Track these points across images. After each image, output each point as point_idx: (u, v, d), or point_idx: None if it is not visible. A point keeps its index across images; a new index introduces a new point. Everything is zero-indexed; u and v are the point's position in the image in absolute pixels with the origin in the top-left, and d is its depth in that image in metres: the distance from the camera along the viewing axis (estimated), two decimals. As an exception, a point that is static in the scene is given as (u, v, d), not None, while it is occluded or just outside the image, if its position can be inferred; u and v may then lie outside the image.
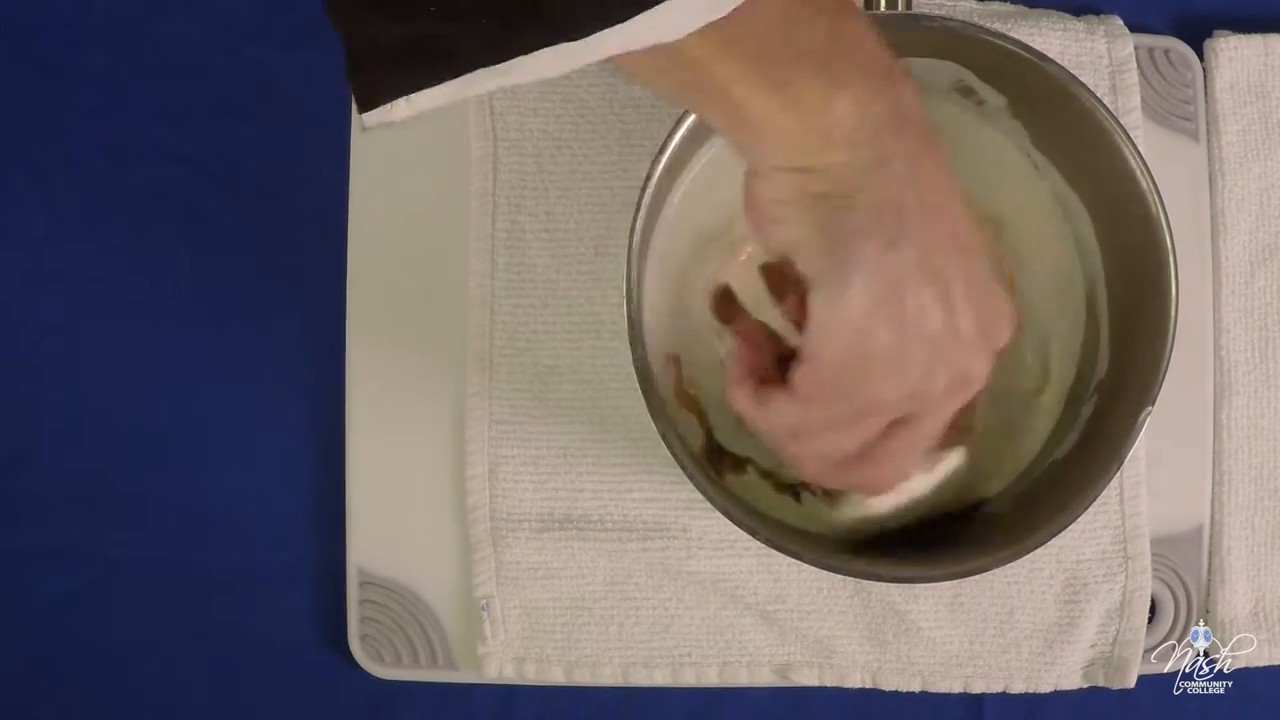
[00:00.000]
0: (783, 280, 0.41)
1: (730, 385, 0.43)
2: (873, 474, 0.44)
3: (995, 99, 0.57)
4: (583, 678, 0.62)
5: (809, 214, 0.38)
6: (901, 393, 0.40)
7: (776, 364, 0.44)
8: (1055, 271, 0.59)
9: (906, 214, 0.38)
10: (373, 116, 0.36)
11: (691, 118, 0.52)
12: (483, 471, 0.62)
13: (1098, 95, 0.55)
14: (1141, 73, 0.64)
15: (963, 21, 0.55)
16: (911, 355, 0.39)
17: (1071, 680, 0.62)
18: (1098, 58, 0.63)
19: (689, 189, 0.58)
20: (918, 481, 0.55)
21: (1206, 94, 0.65)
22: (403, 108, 0.35)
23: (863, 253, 0.38)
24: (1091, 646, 0.62)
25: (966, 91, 0.57)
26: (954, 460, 0.56)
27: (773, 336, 0.45)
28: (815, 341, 0.40)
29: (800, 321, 0.40)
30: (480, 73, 0.34)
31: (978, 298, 0.41)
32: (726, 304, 0.41)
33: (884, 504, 0.55)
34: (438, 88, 0.35)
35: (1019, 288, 0.59)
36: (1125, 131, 0.54)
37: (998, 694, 0.63)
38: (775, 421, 0.42)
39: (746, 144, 0.39)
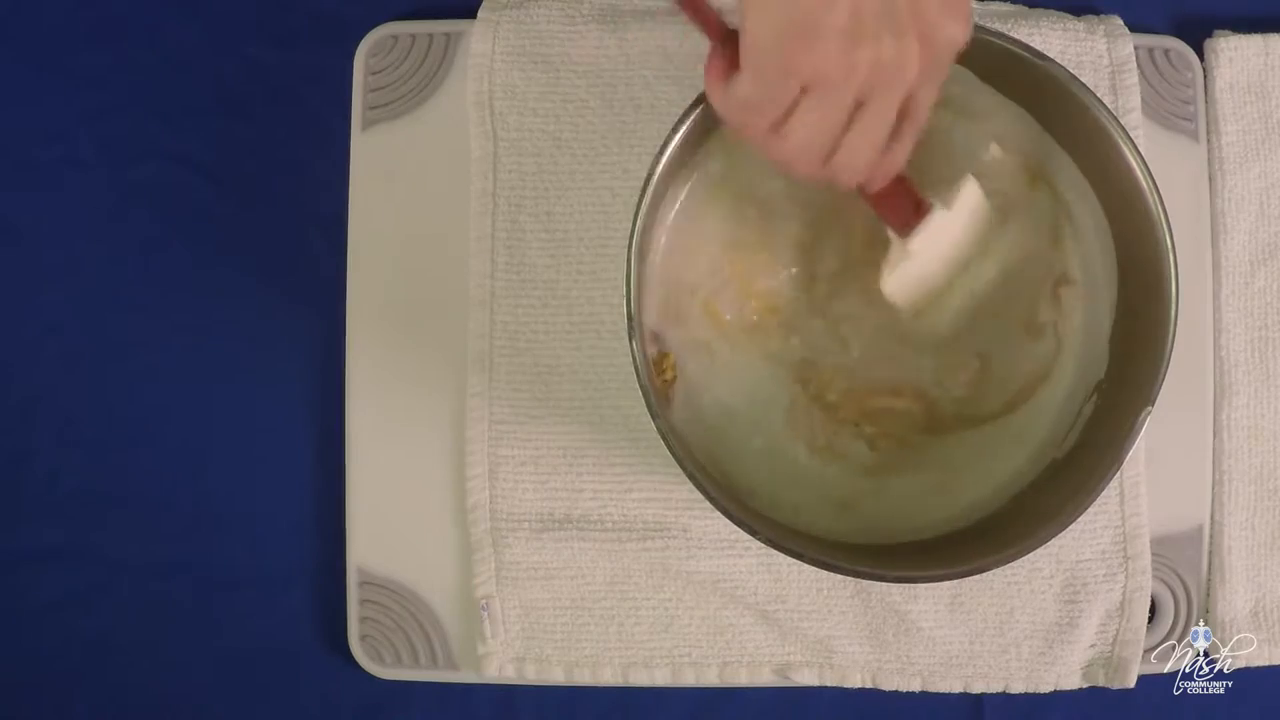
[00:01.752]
0: None
1: (705, 79, 0.45)
2: (846, 160, 0.45)
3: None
4: (583, 678, 0.62)
5: None
6: (831, 64, 0.41)
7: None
8: (1057, 269, 0.59)
9: None
10: None
11: (691, 118, 0.52)
12: (483, 471, 0.62)
13: (1098, 95, 0.55)
14: (1141, 73, 0.64)
15: (962, 21, 0.55)
16: (830, 24, 0.41)
17: (1071, 680, 0.62)
18: (1098, 58, 0.63)
19: (689, 189, 0.58)
20: (944, 217, 0.54)
21: (1206, 94, 0.65)
22: None
23: None
24: (1091, 646, 0.62)
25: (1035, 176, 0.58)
26: (970, 191, 0.55)
27: (721, 26, 0.46)
28: (753, 5, 0.41)
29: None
30: None
31: None
32: None
33: (925, 259, 0.55)
34: None
35: (1019, 289, 0.59)
36: (1125, 131, 0.54)
37: (997, 694, 0.63)
38: (735, 97, 0.43)
39: None
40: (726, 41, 0.44)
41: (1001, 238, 0.57)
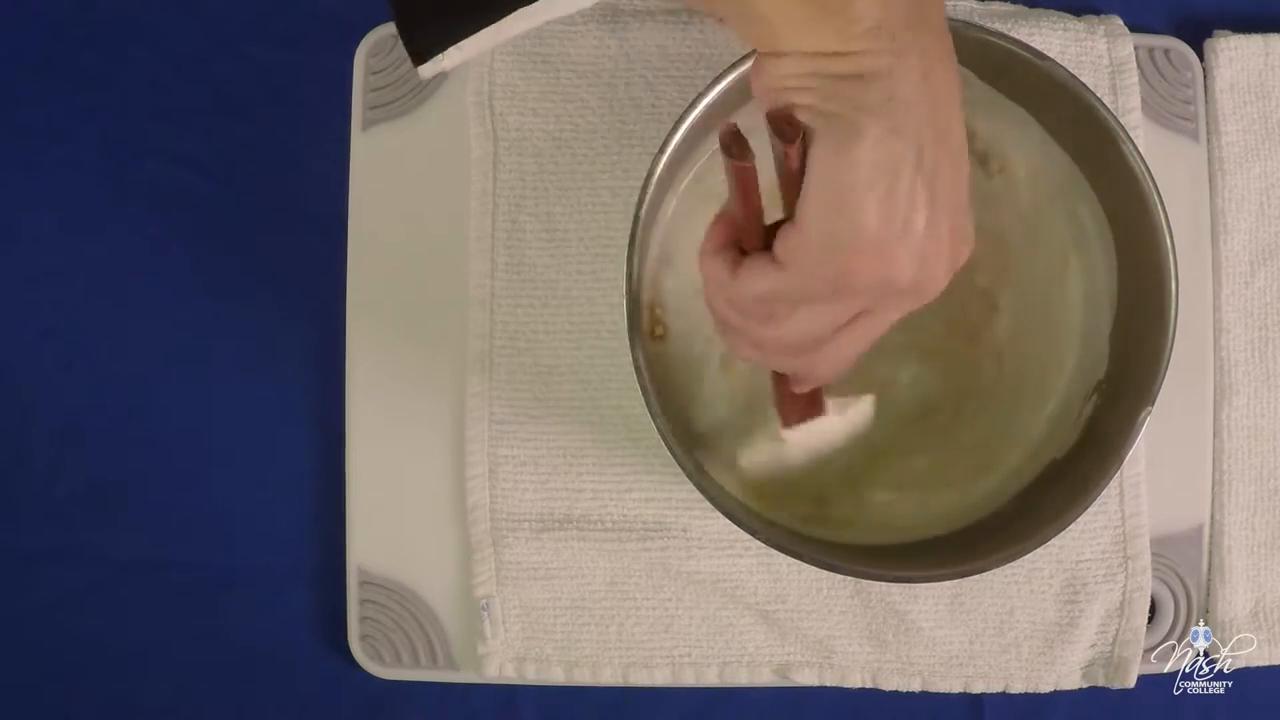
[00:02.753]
0: (788, 126, 0.41)
1: (705, 248, 0.43)
2: (822, 359, 0.44)
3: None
4: (583, 678, 0.62)
5: (821, 86, 0.39)
6: (875, 278, 0.40)
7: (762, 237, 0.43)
8: (1057, 270, 0.59)
9: (915, 108, 0.39)
10: (427, 69, 0.38)
11: (691, 118, 0.52)
12: (483, 471, 0.62)
13: (1098, 95, 0.55)
14: (1141, 73, 0.64)
15: (963, 21, 0.55)
16: (893, 242, 0.40)
17: (1071, 680, 0.62)
18: (1098, 58, 0.63)
19: (689, 188, 0.58)
20: (829, 423, 0.54)
21: (1206, 94, 0.65)
22: (454, 56, 0.37)
23: (870, 128, 0.38)
24: (1091, 646, 0.62)
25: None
26: (864, 408, 0.55)
27: (760, 217, 0.44)
28: (810, 204, 0.40)
29: (797, 171, 0.40)
30: (520, 13, 0.35)
31: (956, 209, 0.41)
32: (737, 142, 0.41)
33: (794, 449, 0.55)
34: (483, 32, 0.36)
35: (1018, 287, 0.59)
36: (1125, 131, 0.54)
37: (998, 694, 0.63)
38: (747, 288, 0.42)
39: (763, 35, 0.39)
40: (754, 226, 0.42)
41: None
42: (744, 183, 0.42)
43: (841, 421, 0.55)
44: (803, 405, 0.53)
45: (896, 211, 0.39)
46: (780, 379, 0.52)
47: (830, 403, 0.54)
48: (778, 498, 0.57)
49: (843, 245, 0.40)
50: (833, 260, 0.40)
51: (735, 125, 0.41)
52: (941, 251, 0.41)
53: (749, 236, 0.43)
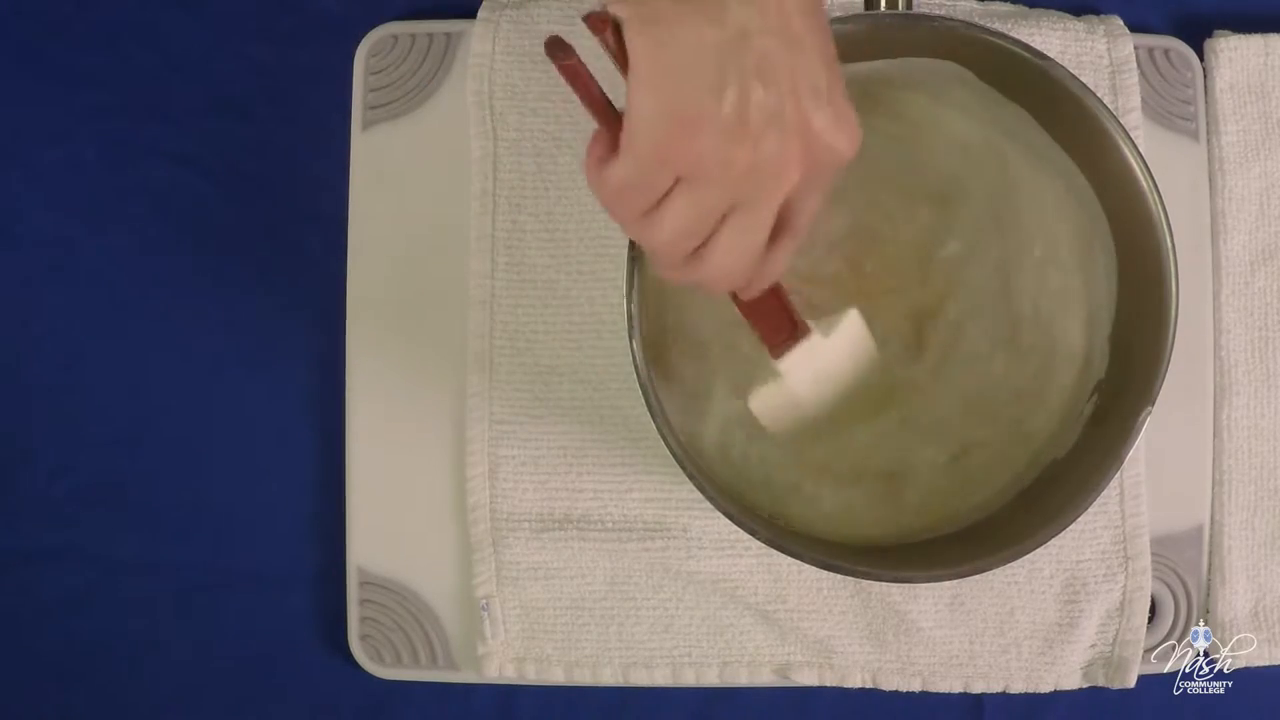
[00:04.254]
0: (596, 20, 0.42)
1: (587, 164, 0.44)
2: (713, 264, 0.44)
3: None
4: (583, 678, 0.62)
5: None
6: (704, 158, 0.41)
7: None
8: (1055, 269, 0.59)
9: (735, 4, 0.40)
10: None
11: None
12: (483, 471, 0.62)
13: (1098, 95, 0.55)
14: (1141, 73, 0.64)
15: (963, 21, 0.55)
16: (708, 121, 0.41)
17: (1071, 680, 0.62)
18: (1098, 58, 0.63)
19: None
20: (822, 345, 0.53)
21: (1206, 94, 0.65)
22: None
23: (683, 17, 0.40)
24: (1091, 646, 0.62)
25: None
26: (852, 322, 0.54)
27: (607, 111, 0.45)
28: (630, 89, 0.41)
29: (624, 65, 0.41)
30: None
31: (799, 93, 0.42)
32: (556, 45, 0.43)
33: (794, 382, 0.54)
34: None
35: (1018, 287, 0.59)
36: (1125, 131, 0.54)
37: (998, 694, 0.63)
38: (610, 180, 0.43)
39: None
40: (612, 124, 0.43)
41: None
42: (577, 81, 0.43)
43: (834, 342, 0.54)
44: (781, 328, 0.52)
45: (710, 92, 0.40)
46: (741, 307, 0.51)
47: (814, 325, 0.53)
48: (814, 454, 0.57)
49: (660, 125, 0.41)
50: (655, 140, 0.41)
51: (553, 34, 0.42)
52: (786, 135, 0.42)
53: (616, 139, 0.44)
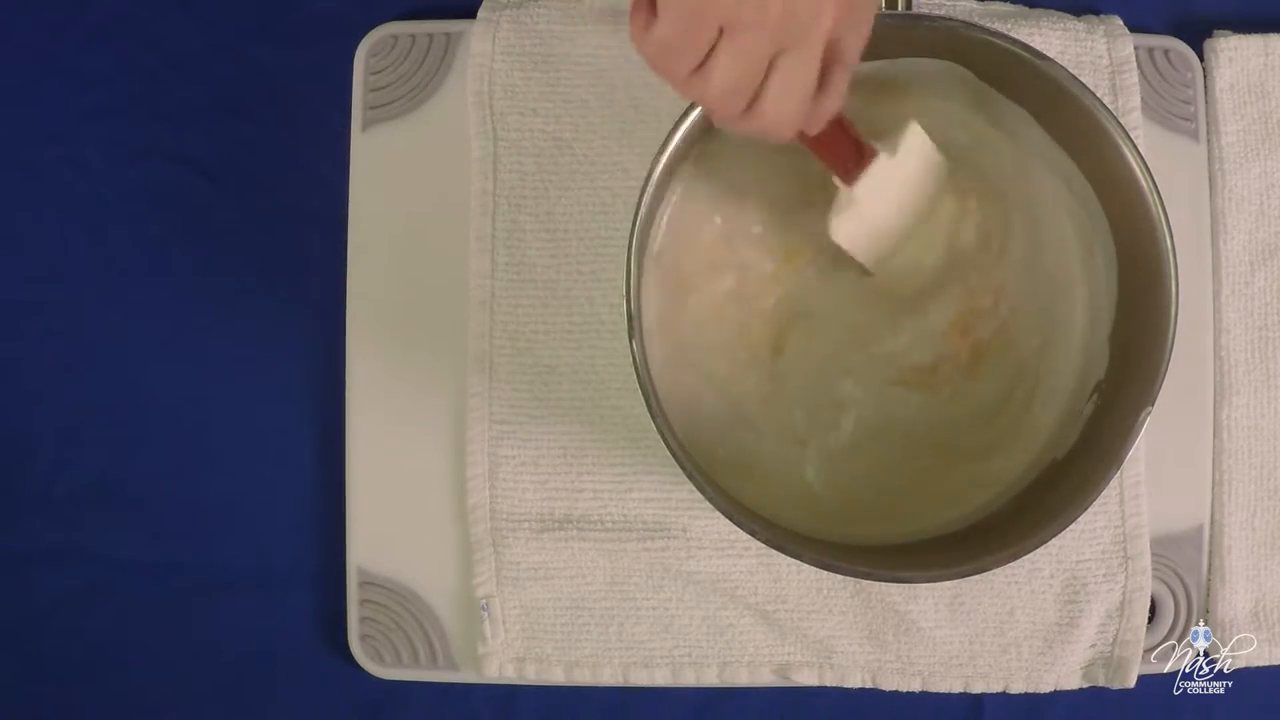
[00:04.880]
0: None
1: (630, 27, 0.45)
2: (769, 111, 0.46)
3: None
4: (583, 678, 0.62)
5: None
6: (755, 3, 0.42)
7: None
8: (1056, 269, 0.59)
9: None
10: None
11: (691, 118, 0.52)
12: (483, 471, 0.62)
13: (1098, 95, 0.55)
14: (1141, 73, 0.64)
15: (963, 21, 0.55)
16: None
17: (1071, 680, 0.62)
18: (1098, 58, 0.63)
19: (688, 188, 0.58)
20: (891, 165, 0.55)
21: (1206, 94, 0.65)
22: None
23: None
24: (1091, 646, 0.62)
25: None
26: (915, 135, 0.56)
27: None
28: None
29: None
30: None
31: None
32: None
33: (872, 204, 0.55)
34: None
35: (1018, 287, 0.59)
36: (1125, 131, 0.54)
37: (998, 694, 0.63)
38: (654, 40, 0.44)
39: None
40: None
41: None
42: None
43: (900, 160, 0.55)
44: (848, 156, 0.54)
45: None
46: (809, 143, 0.53)
47: (877, 146, 0.55)
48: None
49: None
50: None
51: None
52: None
53: (654, 4, 0.44)
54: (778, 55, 0.44)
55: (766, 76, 0.45)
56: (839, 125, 0.52)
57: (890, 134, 0.56)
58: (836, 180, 0.55)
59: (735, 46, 0.43)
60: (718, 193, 0.58)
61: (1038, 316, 0.59)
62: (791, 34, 0.43)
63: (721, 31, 0.43)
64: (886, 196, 0.56)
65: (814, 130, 0.50)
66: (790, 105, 0.46)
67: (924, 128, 0.56)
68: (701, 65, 0.44)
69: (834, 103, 0.48)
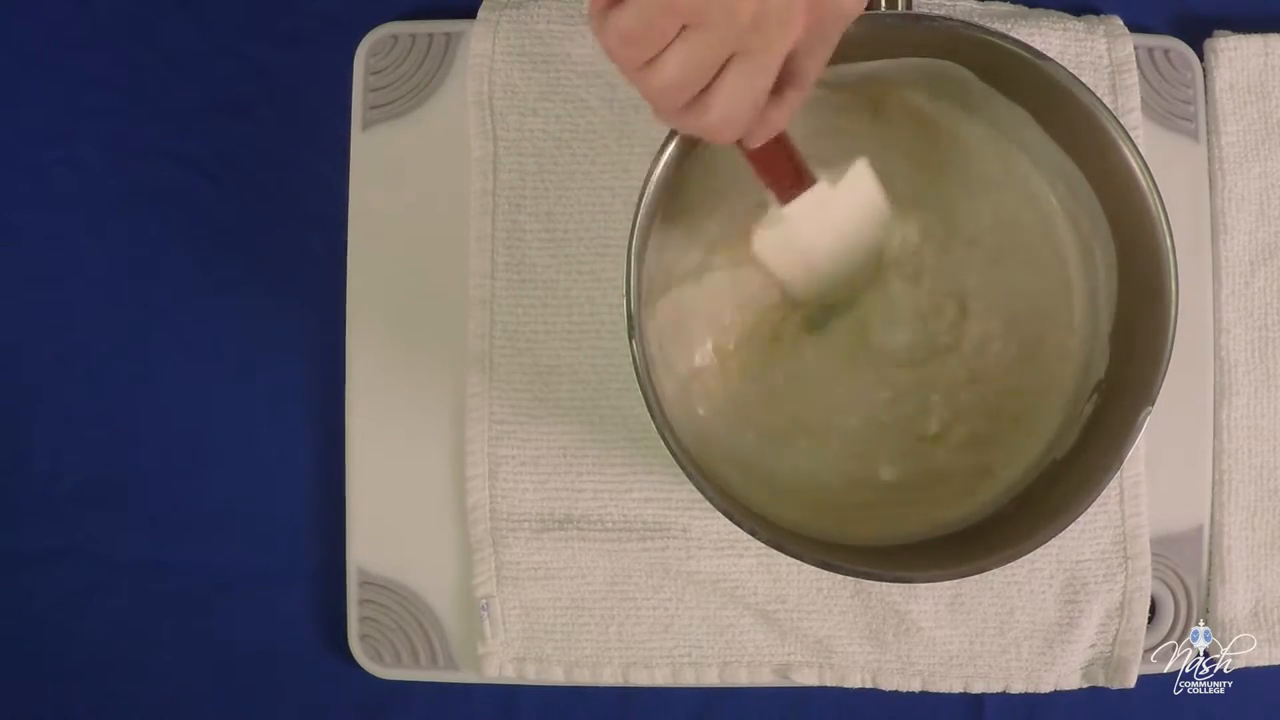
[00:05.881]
0: None
1: (590, 10, 0.44)
2: (715, 111, 0.45)
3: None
4: (583, 678, 0.62)
5: None
6: (726, 5, 0.41)
7: None
8: (1057, 269, 0.59)
9: None
10: None
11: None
12: (483, 472, 0.62)
13: (1098, 95, 0.55)
14: (1141, 73, 0.64)
15: (963, 21, 0.55)
16: None
17: (1071, 680, 0.62)
18: (1098, 58, 0.63)
19: (689, 187, 0.58)
20: (826, 194, 0.54)
21: (1206, 94, 0.65)
22: None
23: None
24: (1091, 646, 0.62)
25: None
26: (860, 172, 0.55)
27: None
28: None
29: None
30: None
31: None
32: None
33: (799, 226, 0.54)
34: None
35: (1018, 287, 0.59)
36: (1125, 131, 0.54)
37: (998, 694, 0.63)
38: (614, 27, 0.43)
39: None
40: None
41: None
42: None
43: (840, 192, 0.54)
44: (786, 176, 0.53)
45: None
46: (748, 156, 0.52)
47: (819, 174, 0.53)
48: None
49: None
50: None
51: None
52: None
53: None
54: (734, 58, 0.43)
55: (719, 76, 0.44)
56: (781, 144, 0.51)
57: (836, 165, 0.55)
58: (770, 197, 0.54)
59: (695, 42, 0.42)
60: (719, 191, 0.58)
61: (1037, 317, 0.59)
62: (756, 39, 0.43)
63: (683, 27, 0.42)
64: (819, 223, 0.55)
65: (755, 143, 0.49)
66: (737, 109, 0.45)
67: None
68: (655, 58, 0.43)
69: (782, 118, 0.47)
